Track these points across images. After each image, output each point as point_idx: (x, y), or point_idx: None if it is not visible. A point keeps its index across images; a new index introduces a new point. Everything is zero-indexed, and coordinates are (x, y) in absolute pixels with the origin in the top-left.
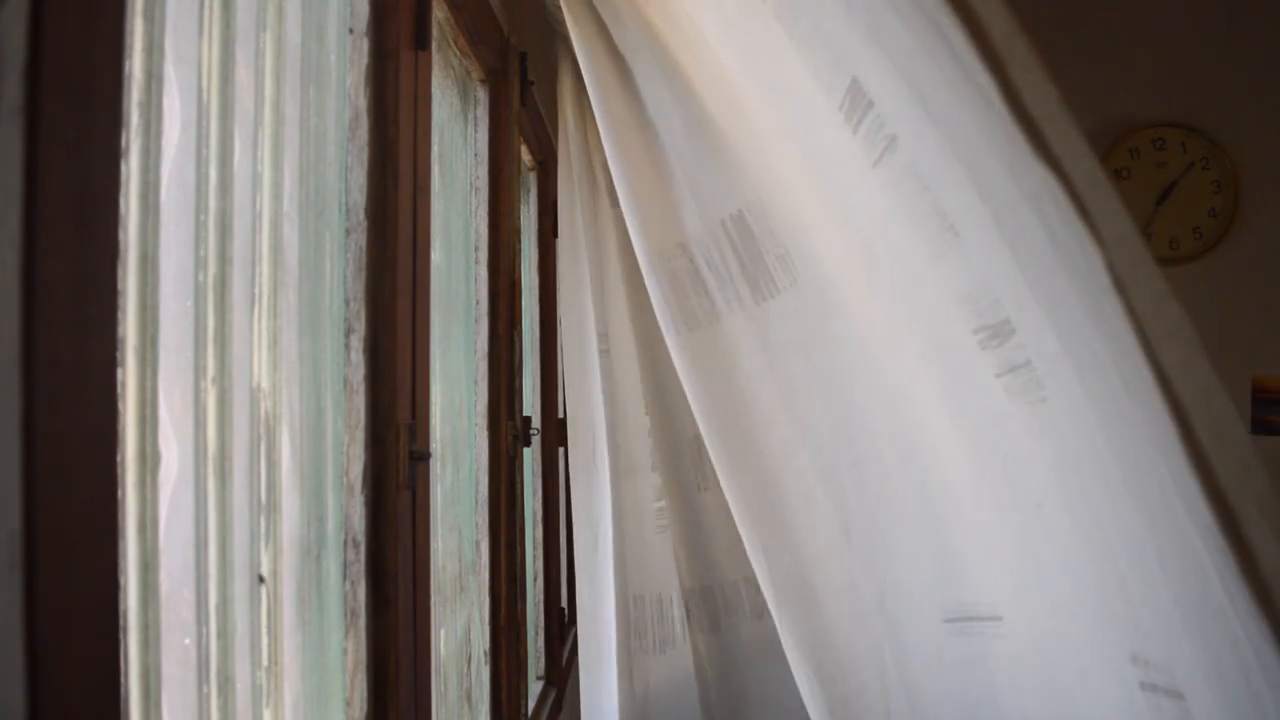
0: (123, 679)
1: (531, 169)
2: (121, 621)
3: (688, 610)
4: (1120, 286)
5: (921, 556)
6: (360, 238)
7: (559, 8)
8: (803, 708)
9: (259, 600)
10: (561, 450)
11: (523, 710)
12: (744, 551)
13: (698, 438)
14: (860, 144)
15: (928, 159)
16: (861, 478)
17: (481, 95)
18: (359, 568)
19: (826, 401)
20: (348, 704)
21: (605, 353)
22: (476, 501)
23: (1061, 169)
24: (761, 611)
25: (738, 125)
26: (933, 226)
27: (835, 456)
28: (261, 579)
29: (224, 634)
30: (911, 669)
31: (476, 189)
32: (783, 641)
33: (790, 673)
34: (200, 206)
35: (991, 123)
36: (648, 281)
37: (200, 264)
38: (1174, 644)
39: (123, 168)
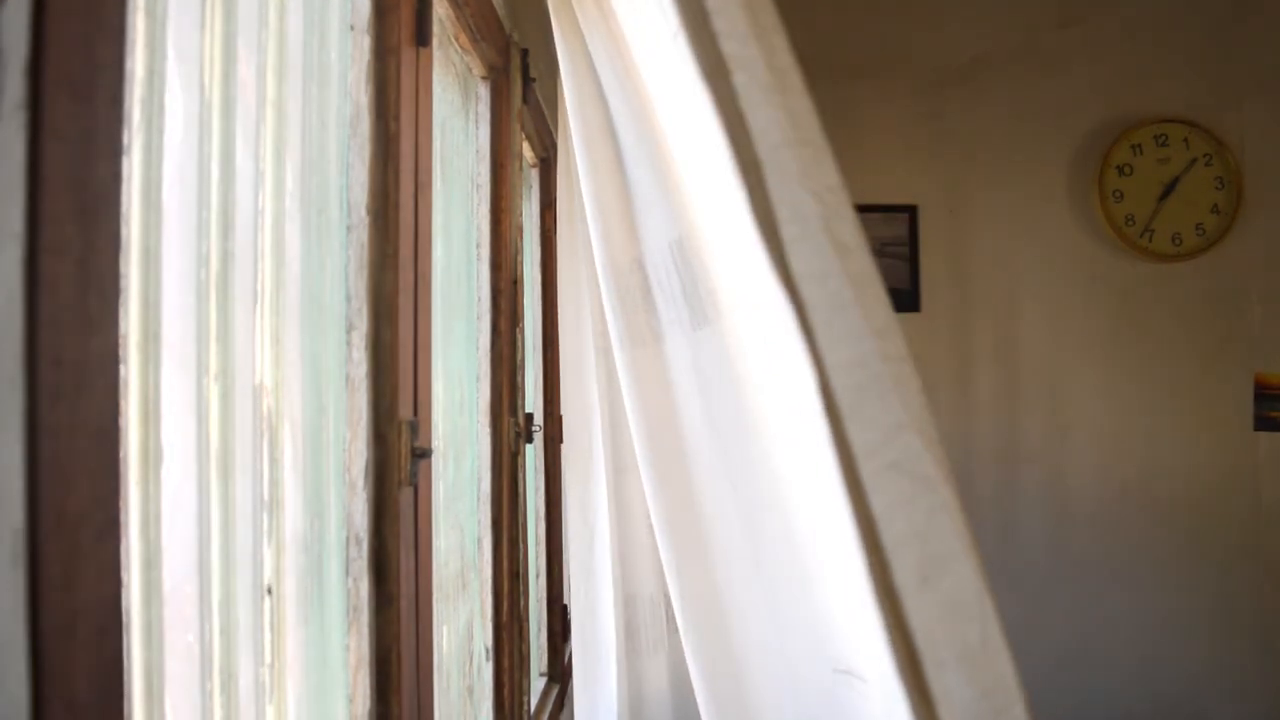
0: (126, 676)
1: (533, 165)
2: (125, 618)
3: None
4: (832, 414)
5: (818, 603)
6: (362, 234)
7: None
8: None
9: (262, 597)
10: (562, 447)
11: (525, 707)
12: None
13: None
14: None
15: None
16: (770, 518)
17: (483, 92)
18: (361, 564)
19: (744, 438)
20: (350, 700)
21: (603, 350)
22: (479, 498)
23: (795, 289)
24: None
25: (680, 154)
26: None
27: (750, 492)
28: (269, 590)
29: (227, 631)
30: (804, 711)
31: (478, 185)
32: (689, 664)
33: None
34: (202, 203)
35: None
36: (603, 294)
37: (202, 260)
38: None
39: (125, 164)
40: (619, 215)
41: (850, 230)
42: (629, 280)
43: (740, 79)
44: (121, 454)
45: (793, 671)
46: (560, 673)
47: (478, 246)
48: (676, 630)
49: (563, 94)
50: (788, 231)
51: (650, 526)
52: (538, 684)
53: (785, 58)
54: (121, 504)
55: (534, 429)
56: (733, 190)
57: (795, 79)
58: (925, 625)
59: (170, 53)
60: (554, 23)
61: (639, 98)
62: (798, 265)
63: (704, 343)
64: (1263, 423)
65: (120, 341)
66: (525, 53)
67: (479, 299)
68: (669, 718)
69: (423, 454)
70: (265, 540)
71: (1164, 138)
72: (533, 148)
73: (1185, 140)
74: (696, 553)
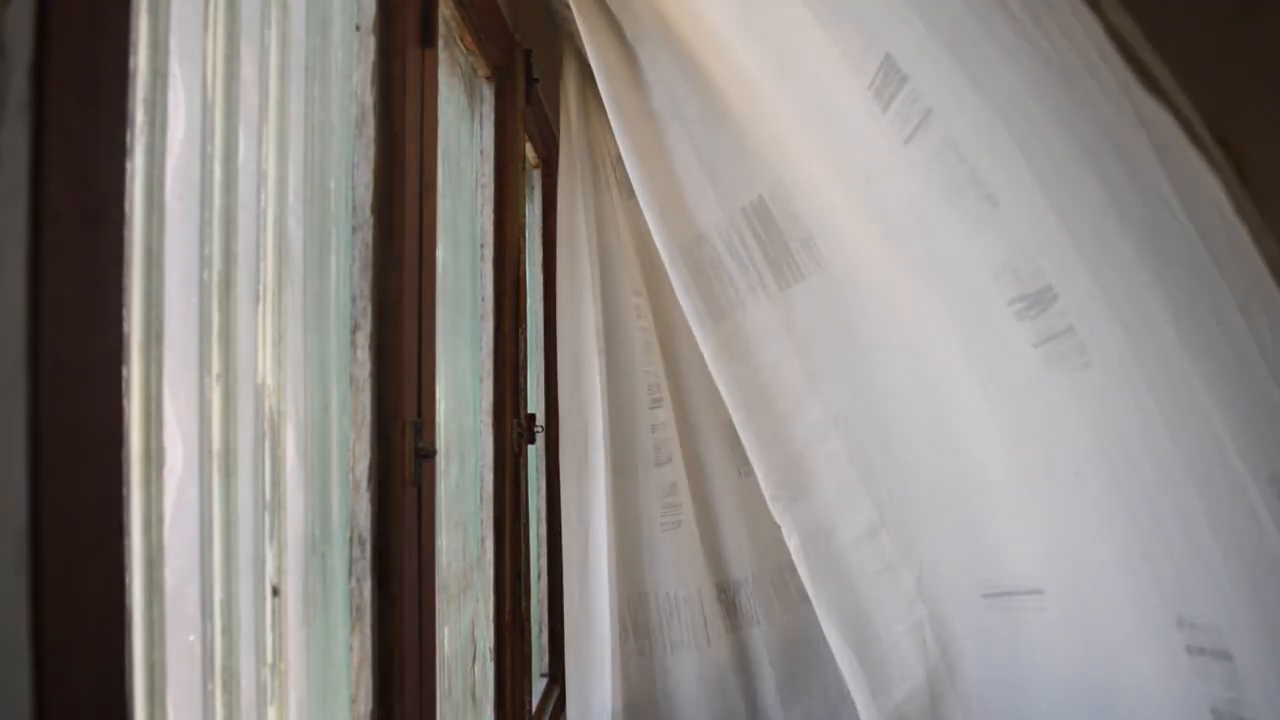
0: (128, 675)
1: (536, 166)
2: (127, 618)
3: (724, 605)
4: (1241, 213)
5: (958, 535)
6: (366, 235)
7: (565, 4)
8: (840, 699)
9: (264, 597)
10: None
11: (527, 707)
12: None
13: (732, 424)
14: (891, 122)
15: (967, 128)
16: (894, 460)
17: (487, 93)
18: (364, 565)
19: (855, 384)
20: (353, 700)
21: (604, 351)
22: (481, 498)
23: (1171, 102)
24: (804, 597)
25: (757, 113)
26: (970, 198)
27: (866, 439)
28: (275, 591)
29: (229, 630)
30: (953, 647)
31: (482, 186)
32: (823, 627)
33: (826, 663)
34: (205, 203)
35: (1046, 81)
36: (671, 274)
37: (205, 261)
38: (1222, 604)
39: (128, 165)
40: (673, 193)
41: None
42: (697, 255)
43: None
44: (124, 454)
45: (934, 612)
46: (561, 673)
47: (481, 247)
48: (735, 627)
49: (568, 92)
50: (1141, 52)
51: (666, 524)
52: (539, 684)
53: None
54: (124, 504)
55: (536, 429)
56: (1020, 44)
57: None
58: None
59: (173, 52)
60: (576, 14)
61: (700, 71)
62: (1162, 80)
63: (797, 299)
64: None
65: (123, 341)
66: (529, 53)
67: (482, 299)
68: (714, 711)
69: (426, 454)
70: (268, 540)
71: None
72: (535, 149)
73: None
74: (813, 517)
